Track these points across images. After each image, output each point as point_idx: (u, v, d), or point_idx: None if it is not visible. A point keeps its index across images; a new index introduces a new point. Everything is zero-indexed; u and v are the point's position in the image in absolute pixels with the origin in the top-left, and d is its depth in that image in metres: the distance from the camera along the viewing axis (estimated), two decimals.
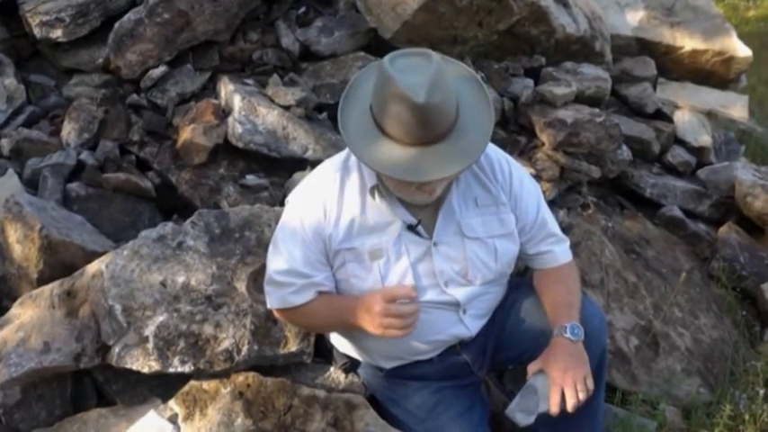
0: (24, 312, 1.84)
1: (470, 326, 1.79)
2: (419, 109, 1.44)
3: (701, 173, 3.28)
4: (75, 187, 2.29)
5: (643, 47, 3.73)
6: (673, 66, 3.80)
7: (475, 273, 1.74)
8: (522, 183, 1.80)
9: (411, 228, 1.68)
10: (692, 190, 3.19)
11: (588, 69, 3.09)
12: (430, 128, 1.48)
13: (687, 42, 3.70)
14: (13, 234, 1.97)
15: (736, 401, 2.34)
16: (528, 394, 1.64)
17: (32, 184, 2.30)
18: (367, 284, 1.69)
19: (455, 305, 1.75)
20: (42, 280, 1.93)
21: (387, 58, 1.50)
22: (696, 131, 3.48)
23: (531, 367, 1.68)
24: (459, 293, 1.74)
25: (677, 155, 3.27)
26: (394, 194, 1.66)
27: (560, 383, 1.62)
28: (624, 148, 3.01)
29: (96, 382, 1.93)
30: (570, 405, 1.61)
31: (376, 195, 1.66)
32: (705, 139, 3.44)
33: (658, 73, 3.70)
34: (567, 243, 1.88)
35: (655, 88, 3.65)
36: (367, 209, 1.68)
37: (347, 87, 1.62)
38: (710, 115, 3.62)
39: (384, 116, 1.50)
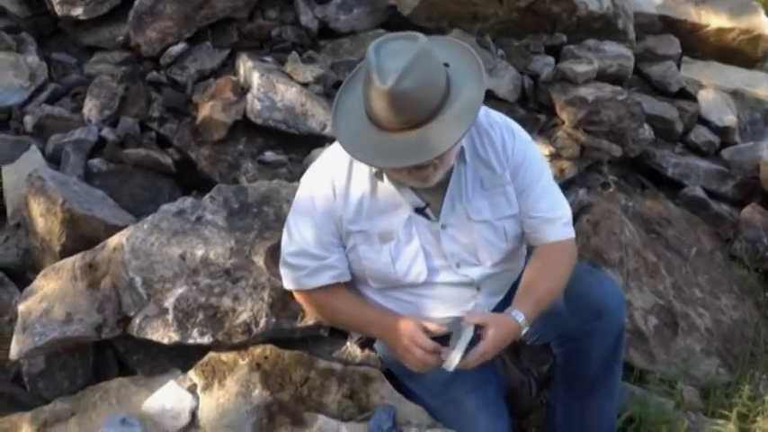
0: (47, 284, 1.87)
1: (484, 303, 1.78)
2: (386, 94, 1.42)
3: (725, 153, 3.22)
4: (96, 163, 2.32)
5: (667, 25, 3.66)
6: (698, 44, 3.73)
7: (485, 254, 1.73)
8: (525, 156, 1.73)
9: (419, 210, 1.68)
10: (716, 170, 3.14)
11: (610, 47, 3.04)
12: (400, 113, 1.45)
13: (713, 20, 3.63)
14: (37, 208, 2.00)
15: (755, 382, 2.32)
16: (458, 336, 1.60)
17: (55, 160, 2.33)
18: (378, 266, 1.69)
19: (470, 284, 1.75)
20: (65, 253, 1.97)
21: (375, 41, 1.50)
22: (721, 111, 3.42)
23: (472, 318, 1.61)
24: (472, 273, 1.73)
25: (700, 134, 3.22)
26: None
27: (483, 349, 1.58)
28: (646, 127, 2.97)
29: (117, 352, 1.97)
30: (462, 364, 1.57)
31: (384, 178, 1.65)
32: (730, 119, 3.37)
33: (683, 51, 3.62)
34: (562, 221, 1.76)
35: (679, 67, 3.59)
36: (377, 191, 1.67)
37: (354, 69, 1.62)
38: (736, 95, 3.55)
39: (366, 99, 1.51)
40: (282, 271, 1.75)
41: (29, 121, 2.44)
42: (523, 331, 1.63)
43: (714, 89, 3.51)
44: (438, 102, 1.48)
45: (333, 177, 1.68)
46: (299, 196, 1.73)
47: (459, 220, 1.69)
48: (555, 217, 1.77)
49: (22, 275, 2.12)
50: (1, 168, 2.25)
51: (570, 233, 1.80)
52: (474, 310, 1.77)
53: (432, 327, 1.64)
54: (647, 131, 2.95)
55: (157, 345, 1.85)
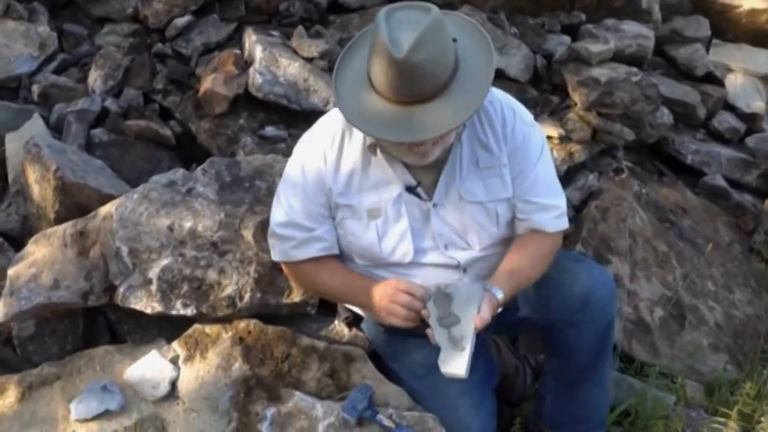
0: (38, 250, 1.89)
1: None
2: (398, 64, 1.37)
3: (750, 141, 3.10)
4: (98, 133, 2.34)
5: (696, 5, 3.52)
6: (728, 26, 3.57)
7: (474, 237, 1.68)
8: (524, 138, 1.66)
9: (410, 189, 1.63)
10: (739, 158, 3.02)
11: (630, 27, 2.94)
12: (410, 86, 1.41)
13: (745, 1, 3.46)
14: (32, 175, 2.02)
15: (763, 380, 2.23)
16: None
17: (58, 129, 2.35)
18: (363, 243, 1.66)
19: (456, 266, 1.70)
20: (59, 220, 1.99)
21: (385, 8, 1.44)
22: (749, 96, 3.28)
23: (479, 322, 1.53)
24: (459, 256, 1.69)
25: (724, 120, 3.09)
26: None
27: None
28: (665, 111, 2.87)
29: (109, 321, 1.98)
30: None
31: (378, 152, 1.61)
32: (758, 105, 3.24)
33: (713, 33, 3.49)
34: (554, 213, 1.70)
35: (708, 50, 3.45)
36: (369, 165, 1.63)
37: (351, 40, 1.57)
38: (767, 80, 3.39)
39: (372, 70, 1.45)
40: (270, 242, 1.73)
41: (35, 89, 2.46)
42: (498, 310, 1.59)
43: (743, 73, 3.37)
44: (447, 77, 1.43)
45: (325, 148, 1.64)
46: (290, 166, 1.70)
47: (451, 200, 1.65)
48: (550, 206, 1.70)
49: (21, 241, 2.14)
50: (5, 136, 2.27)
51: (563, 225, 1.74)
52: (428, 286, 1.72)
53: (414, 286, 1.58)
54: (665, 116, 2.85)
55: (147, 315, 1.85)
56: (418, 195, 1.64)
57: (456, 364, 1.49)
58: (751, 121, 3.20)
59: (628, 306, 2.39)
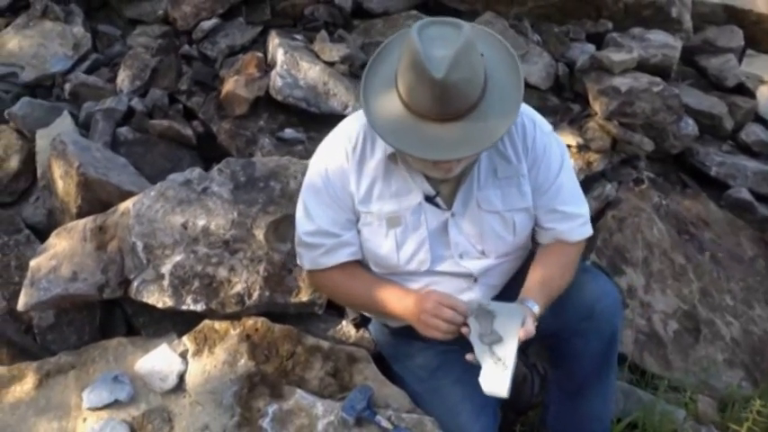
0: (59, 243, 1.97)
1: (481, 295, 1.74)
2: (437, 84, 1.38)
3: None
4: (123, 131, 2.42)
5: (731, 15, 3.44)
6: (764, 37, 3.48)
7: (490, 246, 1.69)
8: (545, 149, 1.68)
9: (429, 199, 1.65)
10: (767, 172, 2.95)
11: (657, 36, 2.90)
12: (446, 105, 1.41)
13: None
14: (57, 170, 2.11)
15: None
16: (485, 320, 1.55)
17: (87, 127, 2.44)
18: (382, 251, 1.67)
19: (468, 276, 1.71)
20: (81, 215, 2.06)
21: (417, 24, 1.45)
22: None
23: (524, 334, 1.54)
24: (473, 266, 1.70)
25: (752, 132, 3.02)
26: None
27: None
28: (690, 122, 2.82)
29: (126, 313, 2.05)
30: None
31: (399, 162, 1.63)
32: None
33: (747, 44, 3.41)
34: (579, 221, 1.73)
35: (741, 60, 3.38)
36: (390, 174, 1.64)
37: (378, 49, 1.58)
38: None
39: (403, 85, 1.45)
40: (298, 251, 1.74)
41: (67, 88, 2.56)
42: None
43: None
44: (478, 94, 1.45)
45: (348, 154, 1.65)
46: (313, 173, 1.70)
47: (469, 209, 1.66)
48: (574, 214, 1.72)
49: (47, 234, 2.23)
50: (36, 132, 2.37)
51: (588, 233, 1.76)
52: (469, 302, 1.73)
53: (454, 300, 1.58)
54: (690, 127, 2.80)
55: (161, 309, 1.92)
56: (437, 205, 1.65)
57: (498, 383, 1.48)
58: None
59: (641, 318, 2.37)
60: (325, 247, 1.67)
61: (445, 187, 1.65)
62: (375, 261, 1.71)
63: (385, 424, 1.64)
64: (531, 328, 1.52)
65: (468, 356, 1.53)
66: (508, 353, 1.49)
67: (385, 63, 1.54)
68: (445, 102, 1.41)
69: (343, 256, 1.68)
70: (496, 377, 1.48)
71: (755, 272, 2.72)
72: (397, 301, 1.65)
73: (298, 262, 1.78)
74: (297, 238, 1.73)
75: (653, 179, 2.82)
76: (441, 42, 1.40)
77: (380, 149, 1.63)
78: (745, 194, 2.89)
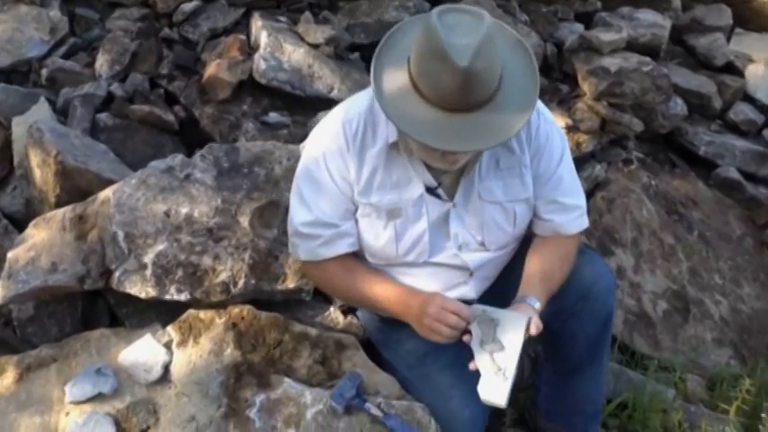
0: (38, 233, 1.92)
1: (475, 288, 1.73)
2: (460, 73, 1.33)
3: None
4: (103, 117, 2.36)
5: None
6: (753, 15, 3.48)
7: (490, 237, 1.66)
8: (548, 138, 1.65)
9: (430, 190, 1.61)
10: (755, 151, 2.95)
11: (645, 15, 2.87)
12: (468, 95, 1.37)
13: None
14: (34, 159, 2.05)
15: (766, 377, 2.19)
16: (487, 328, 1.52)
17: (65, 113, 2.38)
18: (379, 243, 1.63)
19: (464, 268, 1.69)
20: (59, 204, 2.01)
21: (436, 10, 1.39)
22: None
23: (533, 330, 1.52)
24: (471, 258, 1.67)
25: (741, 112, 3.02)
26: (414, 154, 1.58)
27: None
28: (678, 101, 2.81)
29: (109, 304, 2.01)
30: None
31: (401, 151, 1.58)
32: None
33: (735, 23, 3.40)
34: (577, 213, 1.71)
35: (729, 39, 3.36)
36: (392, 164, 1.59)
37: (388, 33, 1.51)
38: None
39: (421, 73, 1.40)
40: (294, 241, 1.68)
41: (44, 74, 2.49)
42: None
43: (765, 64, 3.27)
44: (496, 85, 1.41)
45: (347, 141, 1.59)
46: (309, 161, 1.64)
47: (471, 200, 1.63)
48: (573, 206, 1.70)
49: (25, 224, 2.17)
50: (11, 120, 2.30)
51: (584, 225, 1.74)
52: (463, 295, 1.70)
53: (457, 305, 1.54)
54: (679, 106, 2.79)
55: (145, 299, 1.88)
56: (438, 196, 1.62)
57: (497, 392, 1.45)
58: None
59: (630, 298, 2.37)
60: (324, 237, 1.63)
61: (447, 178, 1.62)
62: (371, 252, 1.68)
63: (375, 412, 1.62)
64: (539, 323, 1.50)
65: (472, 365, 1.50)
66: (509, 363, 1.46)
67: (396, 46, 1.48)
68: (466, 92, 1.36)
69: (342, 247, 1.64)
70: (496, 387, 1.45)
71: (744, 250, 2.73)
72: (398, 302, 1.61)
73: (290, 252, 1.74)
74: (292, 228, 1.67)
75: (642, 159, 2.81)
76: (461, 30, 1.35)
77: (382, 138, 1.58)
78: (733, 173, 2.89)
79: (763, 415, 2.02)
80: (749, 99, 3.18)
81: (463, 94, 1.36)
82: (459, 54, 1.32)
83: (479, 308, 1.53)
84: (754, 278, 2.62)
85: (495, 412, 1.90)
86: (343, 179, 1.60)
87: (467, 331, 1.52)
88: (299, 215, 1.64)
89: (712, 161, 2.92)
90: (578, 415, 1.90)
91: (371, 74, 1.46)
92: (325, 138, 1.62)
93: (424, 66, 1.38)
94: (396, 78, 1.44)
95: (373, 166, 1.59)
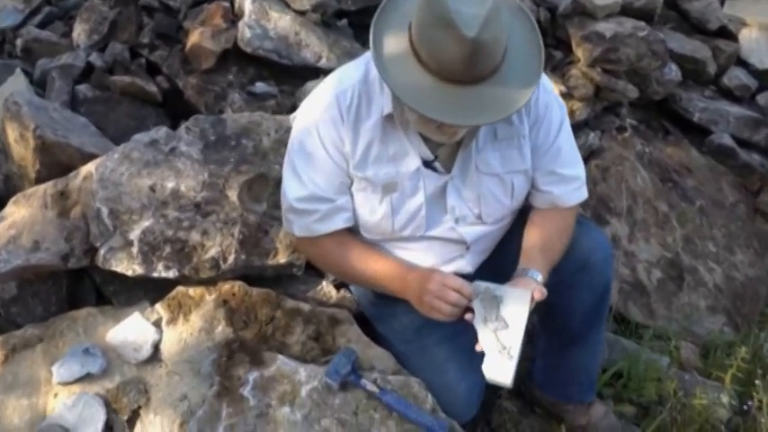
0: (18, 211, 1.86)
1: (471, 262, 1.70)
2: (468, 44, 1.27)
3: (762, 98, 2.98)
4: (82, 89, 2.28)
5: None
6: None
7: (488, 210, 1.62)
8: (547, 107, 1.61)
9: (427, 164, 1.56)
10: (749, 117, 2.92)
11: None
12: (473, 67, 1.31)
13: None
14: (12, 134, 1.98)
15: (759, 343, 2.19)
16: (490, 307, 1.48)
17: (42, 85, 2.30)
18: (375, 218, 1.59)
19: (461, 242, 1.65)
20: (40, 180, 1.95)
21: None
22: (763, 53, 3.15)
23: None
24: (467, 232, 1.63)
25: (735, 77, 2.97)
26: (412, 125, 1.52)
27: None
28: (673, 67, 2.76)
29: (95, 282, 1.96)
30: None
31: (397, 123, 1.53)
32: None
33: None
34: (576, 184, 1.67)
35: (723, 3, 3.30)
36: (387, 136, 1.54)
37: (383, 4, 1.44)
38: None
39: (424, 42, 1.34)
40: (289, 217, 1.63)
41: (18, 44, 2.40)
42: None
43: (759, 28, 3.22)
44: (501, 57, 1.35)
45: (342, 113, 1.53)
46: (304, 133, 1.57)
47: (468, 172, 1.58)
48: (572, 177, 1.66)
49: (4, 202, 2.11)
50: None
51: (584, 197, 1.70)
52: (459, 269, 1.67)
53: (458, 282, 1.49)
54: (673, 72, 2.74)
55: (132, 277, 1.83)
56: (435, 169, 1.57)
57: (503, 371, 1.42)
58: (764, 77, 3.07)
59: (625, 267, 2.35)
60: (320, 212, 1.58)
61: (444, 150, 1.57)
62: (366, 227, 1.63)
63: (371, 387, 1.59)
64: (544, 289, 1.47)
65: (478, 347, 1.46)
66: (514, 341, 1.42)
67: (396, 15, 1.41)
68: (473, 63, 1.31)
69: (339, 222, 1.59)
70: (501, 366, 1.42)
71: (737, 217, 2.71)
72: (397, 279, 1.57)
73: (285, 228, 1.69)
74: (286, 203, 1.62)
75: (635, 127, 2.77)
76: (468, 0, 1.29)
77: (377, 110, 1.52)
78: (726, 140, 2.86)
79: (757, 382, 2.03)
80: (743, 64, 3.14)
81: (468, 65, 1.31)
82: (466, 23, 1.26)
83: (482, 284, 1.49)
84: (747, 245, 2.61)
85: (490, 385, 1.89)
86: (338, 152, 1.54)
87: (468, 309, 1.48)
88: (293, 190, 1.59)
89: (706, 127, 2.88)
90: (574, 385, 1.89)
91: (370, 41, 1.40)
92: (319, 109, 1.56)
93: (427, 34, 1.32)
94: (396, 46, 1.38)
95: (369, 139, 1.54)
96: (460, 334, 1.75)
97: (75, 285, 1.95)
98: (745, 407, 1.97)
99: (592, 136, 2.55)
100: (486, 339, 1.44)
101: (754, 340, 2.21)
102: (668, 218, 2.50)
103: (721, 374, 2.10)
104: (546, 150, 1.62)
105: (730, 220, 2.66)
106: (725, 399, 1.97)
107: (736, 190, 2.82)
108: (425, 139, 1.53)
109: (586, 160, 2.53)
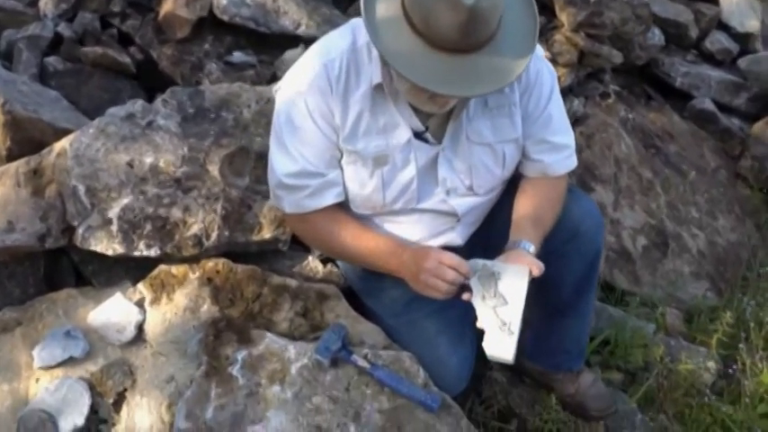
0: None
1: (462, 234, 1.68)
2: (465, 11, 1.23)
3: (742, 62, 2.98)
4: (52, 61, 2.19)
5: None
6: None
7: (479, 181, 1.60)
8: (538, 74, 1.58)
9: (418, 135, 1.52)
10: (730, 81, 2.92)
11: None
12: (469, 36, 1.27)
13: None
14: None
15: (743, 307, 2.22)
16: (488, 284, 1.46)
17: (9, 58, 2.20)
18: (365, 192, 1.55)
19: (452, 214, 1.63)
20: (11, 158, 1.87)
21: None
22: (744, 15, 3.15)
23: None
24: (458, 203, 1.61)
25: (716, 41, 2.97)
26: (402, 95, 1.48)
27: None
28: (656, 32, 2.74)
29: (73, 262, 1.90)
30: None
31: (386, 94, 1.48)
32: (753, 25, 3.11)
33: None
34: (566, 153, 1.65)
35: None
36: (376, 107, 1.49)
37: None
38: None
39: (417, 7, 1.29)
40: (278, 193, 1.58)
41: None
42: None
43: None
44: (496, 24, 1.31)
45: (331, 83, 1.47)
46: (291, 106, 1.51)
47: (460, 143, 1.55)
48: (562, 145, 1.64)
49: None
50: None
51: (573, 165, 1.69)
52: (449, 242, 1.65)
53: (455, 260, 1.46)
54: (656, 37, 2.72)
55: (112, 256, 1.77)
56: (426, 140, 1.53)
57: (504, 348, 1.40)
58: (745, 41, 3.07)
59: (611, 235, 2.35)
60: (311, 188, 1.53)
61: (434, 121, 1.53)
62: (356, 202, 1.60)
63: (362, 363, 1.58)
64: (540, 263, 1.45)
65: (478, 324, 1.44)
66: (514, 317, 1.41)
67: None
68: (468, 31, 1.27)
69: (330, 197, 1.55)
70: (502, 342, 1.40)
71: (719, 183, 2.72)
72: (391, 257, 1.53)
73: (274, 204, 1.65)
74: (275, 179, 1.57)
75: (618, 92, 2.75)
76: None
77: (366, 79, 1.48)
78: (708, 105, 2.86)
79: (740, 345, 2.06)
80: (724, 27, 3.13)
81: (464, 33, 1.27)
82: None
83: (479, 262, 1.47)
84: (729, 210, 2.62)
85: (480, 357, 1.89)
86: (327, 124, 1.50)
87: (464, 287, 1.46)
88: (282, 165, 1.54)
89: (688, 92, 2.88)
90: (563, 354, 1.89)
91: (361, 4, 1.34)
92: (305, 80, 1.50)
93: (424, 2, 1.28)
94: (388, 11, 1.34)
95: (358, 110, 1.49)
96: (450, 307, 1.73)
97: (53, 266, 1.89)
98: (730, 371, 1.99)
99: (576, 103, 2.52)
100: (486, 316, 1.42)
101: (737, 304, 2.23)
102: (652, 184, 2.50)
103: (705, 339, 2.12)
104: (537, 118, 1.60)
105: (712, 185, 2.67)
106: (710, 363, 1.99)
107: (717, 155, 2.83)
108: (416, 110, 1.50)
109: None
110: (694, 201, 2.56)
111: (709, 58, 2.99)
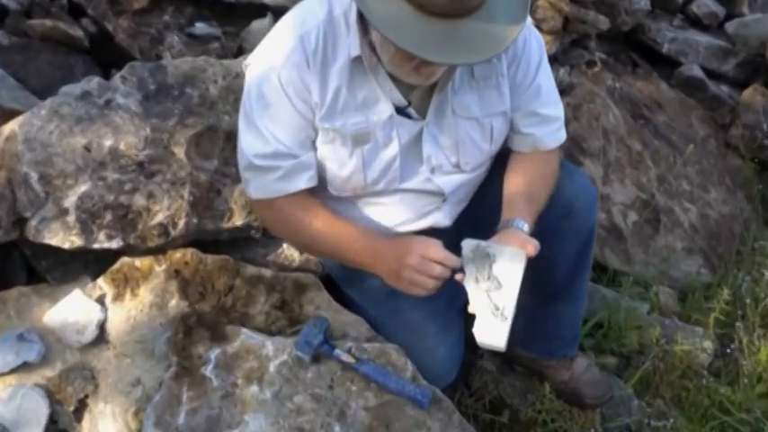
0: None
1: (449, 214, 1.58)
2: None
3: (730, 26, 2.89)
4: None
5: None
6: None
7: (466, 158, 1.50)
8: (525, 42, 1.48)
9: (400, 110, 1.41)
10: (717, 46, 2.83)
11: None
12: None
13: None
14: None
15: (738, 284, 2.15)
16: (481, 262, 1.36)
17: None
18: (344, 173, 1.44)
19: (438, 194, 1.52)
20: None
21: None
22: None
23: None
24: (444, 182, 1.51)
25: (703, 4, 2.87)
26: (383, 68, 1.36)
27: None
28: None
29: (25, 256, 1.75)
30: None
31: (366, 67, 1.36)
32: None
33: None
34: (556, 125, 1.56)
35: None
36: (355, 82, 1.38)
37: None
38: None
39: None
40: (246, 176, 1.46)
41: None
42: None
43: None
44: None
45: (307, 57, 1.35)
46: (262, 82, 1.39)
47: (445, 117, 1.44)
48: (552, 117, 1.55)
49: None
50: None
51: (563, 138, 1.59)
52: (436, 223, 1.55)
53: (440, 252, 1.36)
54: (642, 1, 2.60)
55: (69, 249, 1.63)
56: (409, 116, 1.43)
57: (496, 334, 1.30)
58: (731, 4, 2.98)
59: (601, 211, 2.26)
60: (282, 170, 1.41)
61: (417, 95, 1.43)
62: (335, 184, 1.48)
63: (346, 358, 1.46)
64: (536, 243, 1.35)
65: (470, 309, 1.34)
66: (508, 302, 1.31)
67: None
68: None
69: (301, 181, 1.43)
70: (494, 328, 1.30)
71: (709, 153, 2.65)
72: (366, 250, 1.42)
73: (244, 188, 1.52)
74: (245, 161, 1.44)
75: (604, 60, 2.65)
76: None
77: (343, 51, 1.36)
78: (696, 72, 2.77)
79: (737, 324, 1.99)
80: None
81: None
82: None
83: (472, 242, 1.36)
84: (720, 182, 2.55)
85: (470, 346, 1.79)
86: (303, 102, 1.37)
87: (460, 271, 1.35)
88: (252, 146, 1.41)
89: (675, 59, 2.79)
90: (557, 340, 1.81)
91: None
92: (280, 54, 1.37)
93: None
94: None
95: (336, 85, 1.38)
96: (440, 296, 1.61)
97: (3, 262, 1.74)
98: (728, 350, 1.92)
99: (562, 72, 2.41)
100: (478, 300, 1.32)
101: (732, 281, 2.16)
102: (642, 157, 2.41)
103: (701, 318, 2.05)
104: (526, 89, 1.50)
105: (702, 156, 2.59)
106: (706, 343, 1.92)
107: (706, 124, 2.75)
108: (397, 84, 1.38)
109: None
110: (685, 173, 2.48)
111: (696, 23, 2.90)
